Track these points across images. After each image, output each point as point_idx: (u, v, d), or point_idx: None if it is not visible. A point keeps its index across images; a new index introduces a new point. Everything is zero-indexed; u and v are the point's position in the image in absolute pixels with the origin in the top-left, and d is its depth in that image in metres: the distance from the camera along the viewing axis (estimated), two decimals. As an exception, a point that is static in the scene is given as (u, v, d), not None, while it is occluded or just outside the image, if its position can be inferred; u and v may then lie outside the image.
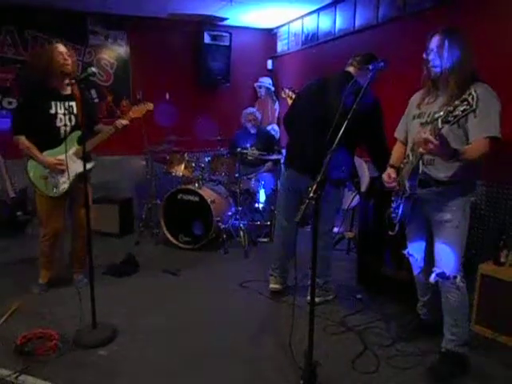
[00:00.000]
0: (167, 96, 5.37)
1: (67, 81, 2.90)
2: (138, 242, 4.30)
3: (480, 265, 2.58)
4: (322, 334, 2.54)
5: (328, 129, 2.59)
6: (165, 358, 2.36)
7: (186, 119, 5.36)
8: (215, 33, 5.44)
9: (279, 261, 3.11)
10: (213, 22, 5.51)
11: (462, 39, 2.04)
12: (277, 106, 5.71)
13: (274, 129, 5.44)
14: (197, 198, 4.07)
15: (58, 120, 2.89)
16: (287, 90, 3.54)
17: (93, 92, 5.15)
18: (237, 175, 4.17)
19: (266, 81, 5.74)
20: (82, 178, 2.82)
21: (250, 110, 4.87)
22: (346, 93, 2.35)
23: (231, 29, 5.59)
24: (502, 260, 2.54)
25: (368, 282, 3.22)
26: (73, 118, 2.93)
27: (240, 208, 4.21)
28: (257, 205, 4.86)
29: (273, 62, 6.02)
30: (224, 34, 5.48)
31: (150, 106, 3.05)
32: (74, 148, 2.93)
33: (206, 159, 4.39)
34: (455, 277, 2.11)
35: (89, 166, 2.86)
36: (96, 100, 5.14)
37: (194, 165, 4.33)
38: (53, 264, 3.20)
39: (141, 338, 2.54)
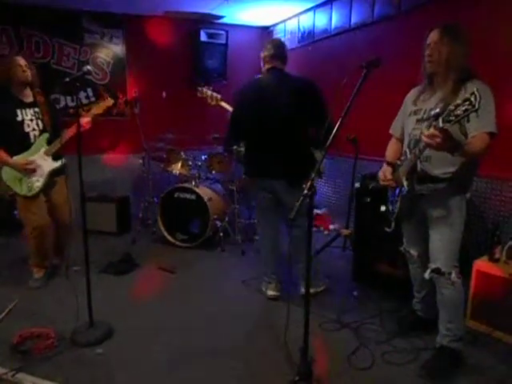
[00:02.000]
0: (164, 94, 5.36)
1: (29, 89, 3.08)
2: (135, 240, 4.30)
3: (475, 261, 2.60)
4: (317, 330, 2.55)
5: (281, 130, 2.75)
6: (161, 355, 2.37)
7: (182, 117, 5.37)
8: (212, 31, 5.44)
9: (275, 264, 3.08)
10: (209, 20, 5.51)
11: (461, 35, 2.04)
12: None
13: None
14: (193, 197, 4.08)
15: (26, 126, 3.04)
16: (205, 89, 3.30)
17: (89, 91, 5.14)
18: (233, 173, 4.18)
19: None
20: (55, 174, 3.15)
21: None
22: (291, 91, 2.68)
23: (227, 27, 5.59)
24: (497, 256, 2.56)
25: (364, 279, 3.23)
26: (40, 122, 3.10)
27: (237, 206, 4.22)
28: (253, 203, 4.87)
29: (269, 60, 6.02)
30: (220, 31, 5.47)
31: (110, 102, 3.16)
32: (43, 148, 3.09)
33: (203, 157, 4.39)
34: (450, 273, 2.12)
35: (57, 163, 3.11)
36: (93, 99, 5.14)
37: (190, 163, 4.33)
38: (45, 259, 3.29)
39: (137, 336, 2.55)
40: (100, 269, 3.48)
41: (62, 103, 5.02)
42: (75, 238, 3.28)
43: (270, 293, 3.06)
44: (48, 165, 3.10)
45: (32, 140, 3.06)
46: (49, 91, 3.08)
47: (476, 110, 1.63)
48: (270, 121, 2.77)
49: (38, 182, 3.08)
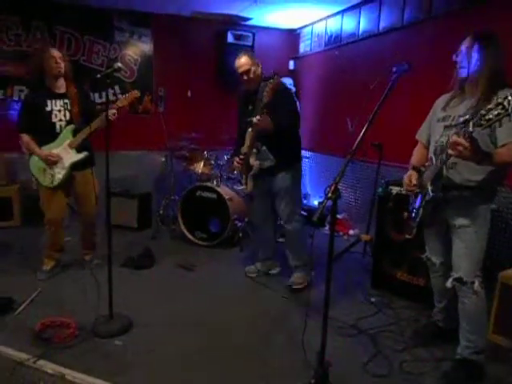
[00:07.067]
0: (189, 93, 5.43)
1: (62, 80, 3.14)
2: (155, 236, 4.36)
3: (500, 273, 2.53)
4: (334, 335, 2.53)
5: None
6: (178, 351, 2.39)
7: (206, 117, 5.42)
8: (239, 32, 5.47)
9: None
10: (236, 22, 5.55)
11: (494, 43, 2.01)
12: (297, 106, 5.70)
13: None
14: (214, 196, 4.11)
15: (54, 116, 3.11)
16: None
17: (116, 88, 5.24)
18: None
19: (287, 81, 5.73)
20: (77, 167, 3.18)
21: None
22: None
23: (254, 29, 5.61)
24: (523, 269, 2.49)
25: (383, 286, 3.19)
26: (67, 113, 3.14)
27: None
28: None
29: (295, 63, 6.02)
30: (247, 33, 5.50)
31: (136, 93, 3.15)
32: (67, 140, 3.13)
33: (225, 157, 4.42)
34: (473, 282, 2.07)
35: (79, 156, 3.15)
36: (119, 96, 5.22)
37: (212, 162, 4.37)
38: (56, 252, 3.38)
39: (155, 331, 2.58)
40: (120, 263, 3.53)
41: (91, 99, 5.13)
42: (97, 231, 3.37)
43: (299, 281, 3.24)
44: (70, 157, 3.13)
45: (58, 130, 3.12)
46: (82, 83, 3.08)
47: (509, 115, 1.60)
48: None
49: (59, 174, 3.14)
